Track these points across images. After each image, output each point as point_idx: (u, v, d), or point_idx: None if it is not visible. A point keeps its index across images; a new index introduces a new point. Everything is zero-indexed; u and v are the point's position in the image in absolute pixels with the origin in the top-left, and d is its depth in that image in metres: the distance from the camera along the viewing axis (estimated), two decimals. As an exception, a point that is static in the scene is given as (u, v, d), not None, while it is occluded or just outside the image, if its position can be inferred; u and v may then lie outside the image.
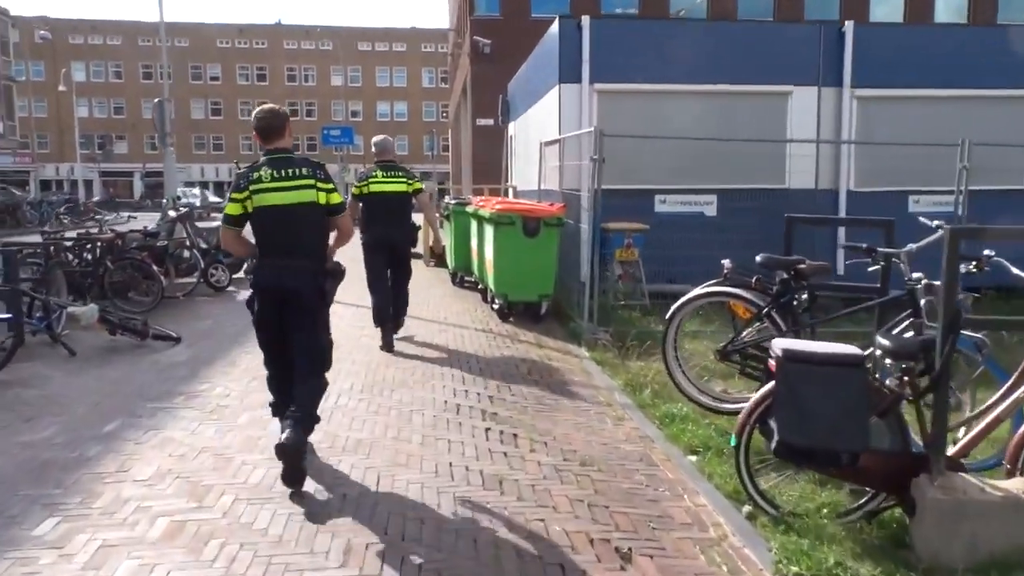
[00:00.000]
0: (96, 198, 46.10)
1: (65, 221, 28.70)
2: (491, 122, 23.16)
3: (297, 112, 70.74)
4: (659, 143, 9.18)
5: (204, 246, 11.79)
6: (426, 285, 11.97)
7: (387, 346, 7.42)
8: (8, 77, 36.01)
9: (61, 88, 55.08)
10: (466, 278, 11.56)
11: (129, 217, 34.30)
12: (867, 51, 10.00)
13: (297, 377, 4.20)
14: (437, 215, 15.99)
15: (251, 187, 4.10)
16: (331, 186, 4.22)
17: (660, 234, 9.42)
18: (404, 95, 72.26)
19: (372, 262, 7.51)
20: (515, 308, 8.87)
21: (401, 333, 7.96)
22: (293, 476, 3.98)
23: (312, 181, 4.15)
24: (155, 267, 9.98)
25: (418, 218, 8.63)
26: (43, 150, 70.32)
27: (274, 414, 4.50)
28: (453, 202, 11.44)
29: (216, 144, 71.13)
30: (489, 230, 8.82)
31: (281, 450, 3.94)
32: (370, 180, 7.33)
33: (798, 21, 22.01)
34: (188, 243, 11.56)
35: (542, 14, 22.66)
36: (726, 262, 5.09)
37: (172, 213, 11.95)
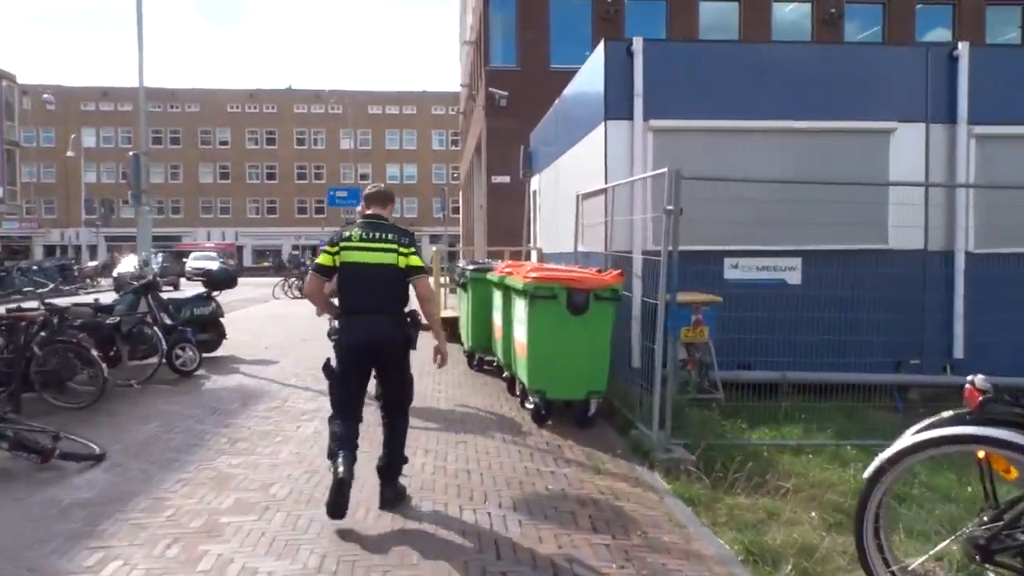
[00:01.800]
0: (93, 263, 44.40)
1: (60, 288, 26.60)
2: (507, 179, 21.39)
3: (306, 175, 70.02)
4: (730, 193, 7.14)
5: (169, 322, 9.75)
6: (436, 369, 9.82)
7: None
8: (12, 142, 34.81)
9: (69, 153, 54.32)
10: (485, 357, 9.45)
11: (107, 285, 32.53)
12: (987, 79, 8.05)
13: (390, 421, 4.74)
14: (446, 279, 14.14)
15: (341, 243, 4.54)
16: (412, 251, 4.58)
17: (731, 307, 7.38)
18: (414, 157, 71.52)
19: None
20: (554, 405, 6.72)
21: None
22: (337, 507, 4.28)
23: (395, 245, 4.54)
24: (98, 350, 7.93)
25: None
26: (50, 215, 69.67)
27: (329, 456, 4.57)
28: (471, 267, 9.42)
29: (223, 208, 70.18)
30: (520, 305, 6.74)
31: (389, 506, 4.53)
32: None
33: (903, 44, 20.23)
34: (150, 318, 9.53)
35: (562, 65, 21.10)
36: (977, 379, 2.90)
37: (134, 283, 9.96)
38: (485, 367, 9.54)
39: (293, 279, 26.96)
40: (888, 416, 7.18)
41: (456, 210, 46.78)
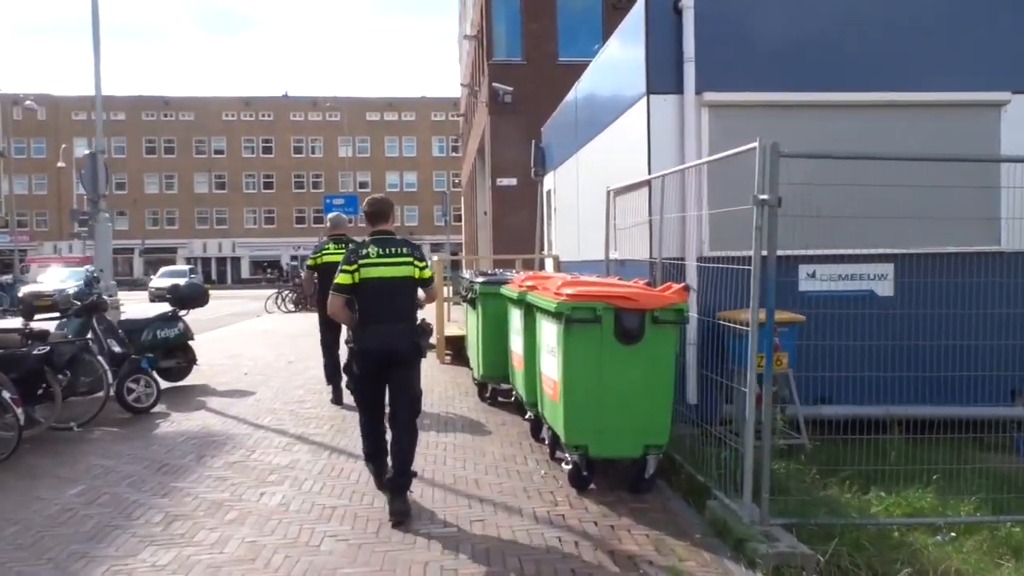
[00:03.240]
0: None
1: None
2: (514, 181, 19.85)
3: (303, 184, 68.48)
4: (809, 178, 5.54)
5: (118, 349, 8.15)
6: (442, 399, 8.23)
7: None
8: (-4, 151, 33.32)
9: (60, 164, 53.02)
10: (501, 385, 7.84)
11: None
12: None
13: (397, 427, 4.79)
14: (450, 291, 12.57)
15: (360, 262, 4.77)
16: (425, 263, 4.92)
17: (807, 326, 5.83)
18: (414, 165, 69.98)
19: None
20: (598, 462, 5.09)
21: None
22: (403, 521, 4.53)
23: (411, 259, 4.85)
24: (21, 388, 6.36)
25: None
26: (42, 228, 68.20)
27: (367, 461, 5.22)
28: (480, 280, 7.82)
29: (219, 218, 68.64)
30: (551, 330, 5.13)
31: (399, 520, 4.51)
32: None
33: None
34: (96, 345, 7.93)
35: (571, 58, 19.57)
36: None
37: (77, 302, 8.34)
38: (500, 399, 7.92)
39: (287, 292, 25.39)
40: (1008, 462, 5.55)
41: (458, 217, 45.21)
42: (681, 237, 6.38)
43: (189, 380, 9.91)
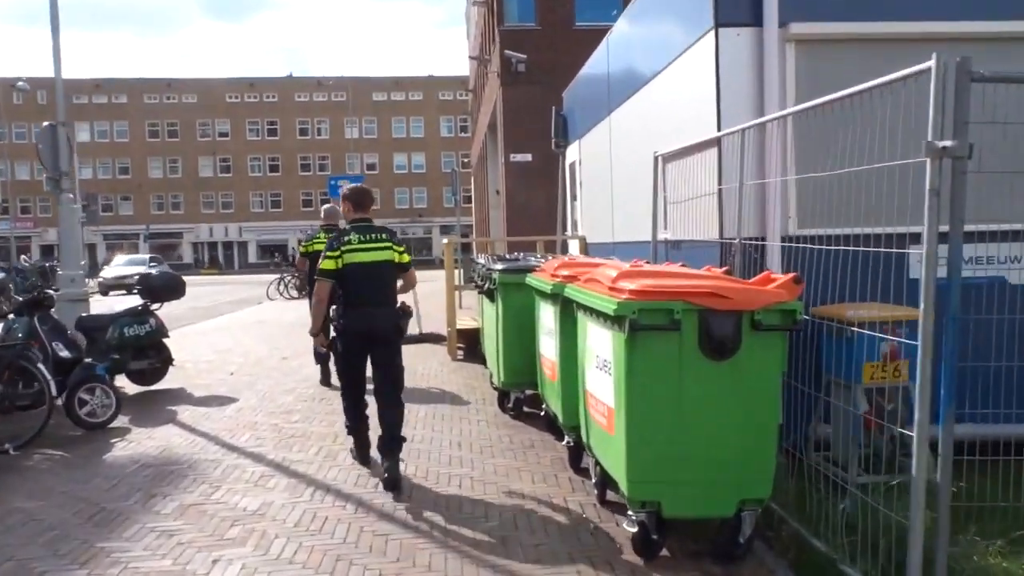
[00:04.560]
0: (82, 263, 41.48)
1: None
2: (528, 157, 18.42)
3: (310, 167, 67.07)
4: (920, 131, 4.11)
5: (65, 354, 6.84)
6: (455, 409, 6.86)
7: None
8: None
9: (61, 148, 51.56)
10: (526, 392, 6.49)
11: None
12: None
13: (384, 403, 5.05)
14: (460, 277, 11.16)
15: (343, 248, 4.98)
16: (402, 248, 5.20)
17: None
18: (422, 146, 68.37)
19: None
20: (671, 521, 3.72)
21: None
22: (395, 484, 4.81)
23: (390, 244, 5.10)
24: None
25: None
26: (46, 214, 67.11)
27: (349, 433, 5.45)
28: (499, 267, 6.44)
29: (225, 203, 67.38)
30: (603, 338, 3.74)
31: (392, 484, 4.79)
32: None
33: None
34: (38, 350, 6.63)
35: (589, 23, 18.08)
36: None
37: (18, 298, 7.01)
38: (525, 409, 6.57)
39: (289, 277, 24.06)
40: None
41: (468, 199, 43.71)
42: (760, 210, 4.98)
43: (164, 383, 8.63)
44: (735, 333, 3.37)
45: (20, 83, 35.52)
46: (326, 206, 8.86)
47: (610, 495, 4.32)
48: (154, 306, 8.56)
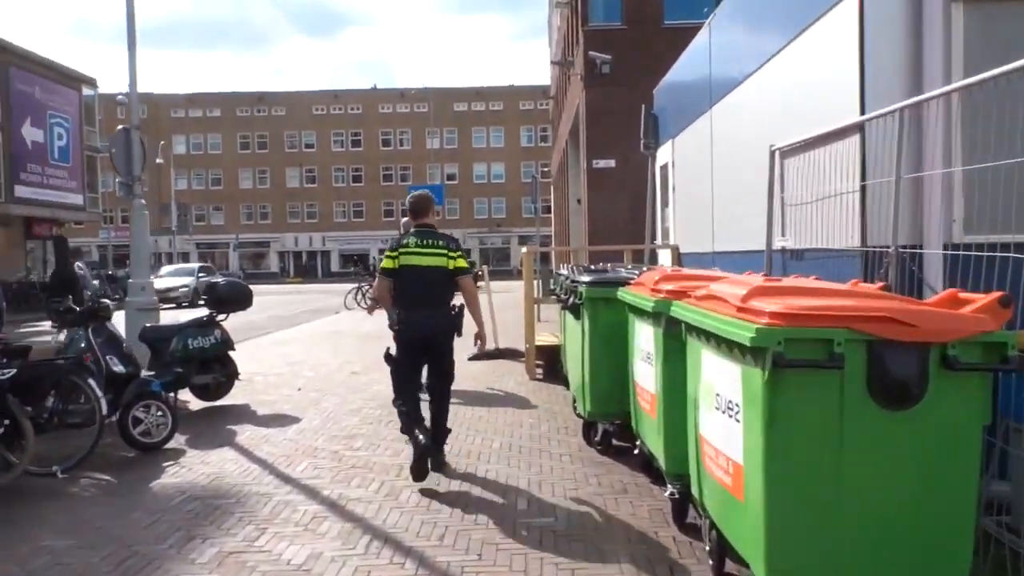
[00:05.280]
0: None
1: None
2: (612, 163, 17.56)
3: (391, 177, 67.84)
4: None
5: (120, 368, 6.41)
6: (532, 440, 6.06)
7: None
8: (92, 148, 33.40)
9: (159, 161, 53.73)
10: (614, 423, 5.64)
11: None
12: None
13: (435, 395, 5.44)
14: (539, 289, 10.36)
15: (400, 250, 5.27)
16: (459, 254, 5.36)
17: None
18: (501, 156, 68.21)
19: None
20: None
21: None
22: (422, 471, 5.03)
23: (445, 251, 5.29)
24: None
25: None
26: (144, 224, 70.04)
27: (405, 431, 5.38)
28: (585, 279, 5.64)
29: (310, 212, 68.86)
30: (727, 373, 2.89)
31: (426, 451, 5.03)
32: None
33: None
34: (93, 363, 6.22)
35: (679, 21, 17.11)
36: None
37: (71, 311, 6.62)
38: (615, 443, 5.71)
39: (367, 287, 23.84)
40: None
41: (547, 209, 43.01)
42: (912, 213, 4.02)
43: (229, 398, 8.20)
44: (920, 373, 2.47)
45: (119, 96, 36.99)
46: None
47: (730, 565, 3.44)
48: (220, 317, 8.15)
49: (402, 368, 5.39)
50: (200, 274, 29.35)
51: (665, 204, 10.09)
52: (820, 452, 2.53)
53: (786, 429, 2.54)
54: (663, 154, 10.05)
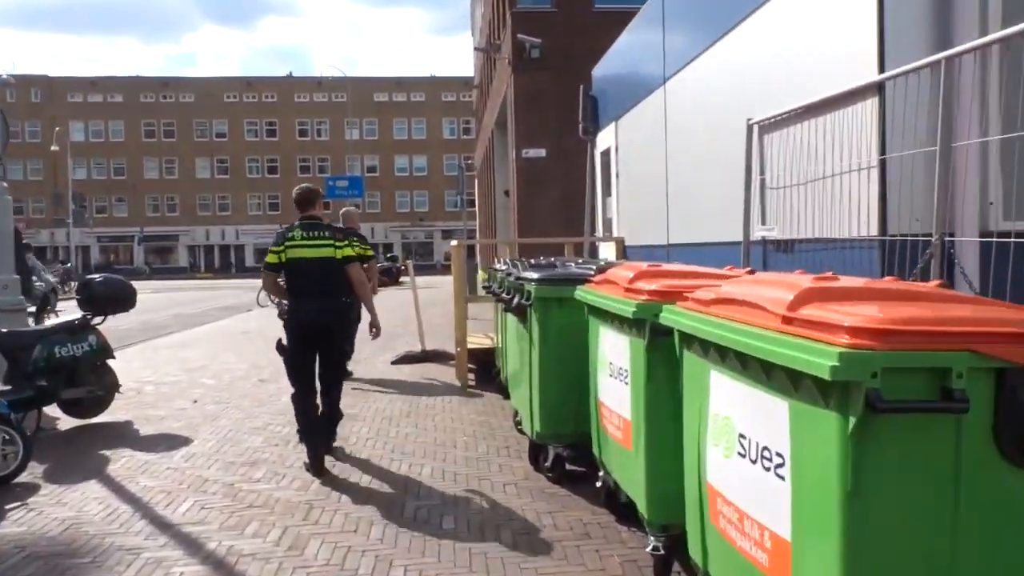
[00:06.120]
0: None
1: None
2: (542, 152, 16.78)
3: (309, 168, 65.43)
4: None
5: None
6: (469, 466, 5.12)
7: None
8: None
9: (54, 148, 49.95)
10: (568, 450, 4.76)
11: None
12: None
13: (326, 380, 5.49)
14: (466, 285, 9.44)
15: (286, 243, 5.30)
16: (346, 243, 5.42)
17: None
18: (424, 148, 66.76)
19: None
20: None
21: None
22: (318, 466, 5.09)
23: (331, 241, 5.34)
24: None
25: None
26: (39, 215, 65.48)
27: (301, 440, 5.43)
28: (534, 276, 4.75)
29: (222, 205, 65.75)
30: (773, 413, 2.04)
31: (327, 452, 5.32)
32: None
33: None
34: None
35: (611, 5, 16.42)
36: None
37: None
38: (568, 467, 4.84)
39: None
40: None
41: (471, 202, 42.00)
42: (945, 191, 3.30)
43: (109, 414, 6.97)
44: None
45: (4, 76, 33.96)
46: (343, 209, 8.71)
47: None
48: (96, 320, 6.90)
49: (293, 358, 5.38)
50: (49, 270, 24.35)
51: (607, 193, 9.31)
52: (925, 526, 1.70)
53: (882, 507, 1.70)
54: (604, 139, 9.27)
